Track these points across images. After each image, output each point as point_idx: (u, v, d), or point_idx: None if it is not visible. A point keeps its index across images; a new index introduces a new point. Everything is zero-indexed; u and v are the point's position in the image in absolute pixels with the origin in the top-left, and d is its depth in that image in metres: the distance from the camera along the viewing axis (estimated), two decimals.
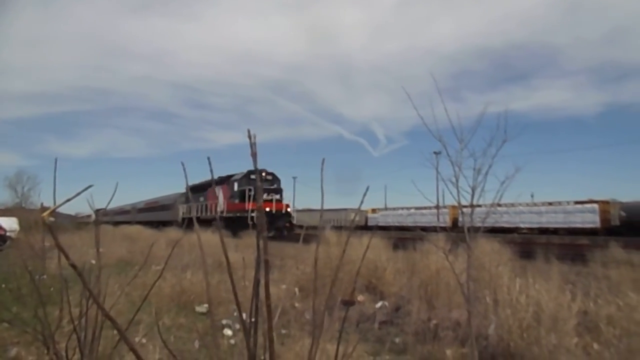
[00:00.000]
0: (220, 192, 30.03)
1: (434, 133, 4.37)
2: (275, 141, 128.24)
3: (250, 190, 26.19)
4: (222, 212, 28.55)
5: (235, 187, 28.70)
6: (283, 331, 4.90)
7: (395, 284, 6.27)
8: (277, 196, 27.03)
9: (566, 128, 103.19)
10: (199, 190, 32.69)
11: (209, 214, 30.83)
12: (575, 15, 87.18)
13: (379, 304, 6.15)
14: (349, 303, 6.05)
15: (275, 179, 28.77)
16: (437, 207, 36.84)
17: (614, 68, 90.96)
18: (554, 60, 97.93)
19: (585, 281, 6.43)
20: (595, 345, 3.36)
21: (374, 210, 49.85)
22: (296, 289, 6.46)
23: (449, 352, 3.96)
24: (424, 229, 21.02)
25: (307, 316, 5.86)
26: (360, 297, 6.25)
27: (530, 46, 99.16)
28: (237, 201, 28.10)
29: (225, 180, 29.78)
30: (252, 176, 26.15)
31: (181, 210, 35.95)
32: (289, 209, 27.67)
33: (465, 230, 3.92)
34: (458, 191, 4.24)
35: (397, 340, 4.73)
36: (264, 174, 27.26)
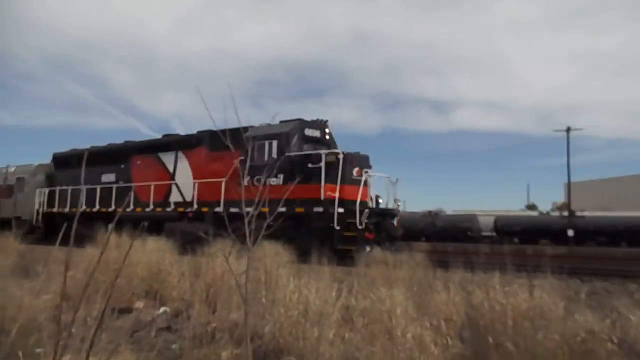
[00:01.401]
0: (183, 162, 15.34)
1: (223, 137, 4.42)
2: (58, 127, 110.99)
3: (329, 158, 12.09)
4: (214, 203, 13.55)
5: (273, 151, 13.08)
6: (37, 350, 4.21)
7: (179, 288, 6.07)
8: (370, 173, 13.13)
9: (354, 144, 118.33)
10: (105, 160, 17.37)
11: (147, 209, 15.49)
12: (363, 46, 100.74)
13: (160, 310, 5.84)
14: (124, 311, 5.55)
15: (332, 141, 14.26)
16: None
17: (390, 97, 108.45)
18: (346, 82, 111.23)
19: (352, 279, 7.34)
20: (348, 335, 3.86)
21: None
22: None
23: (224, 354, 4.00)
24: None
25: (74, 330, 5.18)
26: (138, 304, 5.83)
27: (328, 66, 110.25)
28: (276, 181, 12.15)
29: (213, 139, 13.77)
30: (310, 132, 13.66)
31: (39, 199, 19.36)
32: (399, 204, 13.60)
33: (247, 233, 4.06)
34: (243, 195, 4.36)
35: (174, 346, 4.56)
36: (327, 131, 14.13)
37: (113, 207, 16.29)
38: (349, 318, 4.71)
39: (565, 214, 30.88)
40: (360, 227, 11.55)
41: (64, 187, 18.36)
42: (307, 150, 12.92)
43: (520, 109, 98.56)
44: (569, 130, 31.66)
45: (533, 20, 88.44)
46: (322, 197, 11.80)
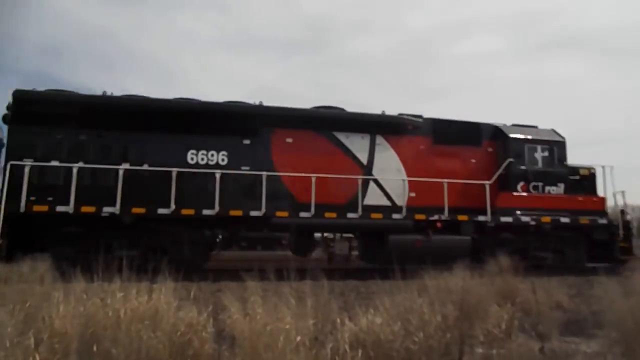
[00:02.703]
0: (386, 152, 11.92)
1: None
2: None
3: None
4: (473, 210, 11.60)
5: (555, 158, 12.75)
6: None
7: None
8: None
9: None
10: (193, 126, 10.75)
11: (350, 215, 11.06)
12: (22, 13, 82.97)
13: None
14: None
15: None
16: None
17: (48, 80, 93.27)
18: None
19: None
20: None
21: None
22: None
23: None
24: None
25: None
26: None
27: None
28: (557, 190, 12.50)
29: (438, 129, 12.47)
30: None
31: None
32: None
33: None
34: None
35: None
36: None
37: (172, 207, 10.06)
38: None
39: None
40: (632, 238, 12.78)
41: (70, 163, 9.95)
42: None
43: None
44: None
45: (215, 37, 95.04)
46: (606, 209, 12.66)
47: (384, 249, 10.93)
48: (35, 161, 9.60)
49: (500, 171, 12.14)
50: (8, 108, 10.17)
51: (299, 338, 3.55)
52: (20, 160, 9.48)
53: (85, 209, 9.61)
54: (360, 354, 3.35)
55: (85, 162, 9.93)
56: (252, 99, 11.89)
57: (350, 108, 12.06)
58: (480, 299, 5.17)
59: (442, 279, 5.53)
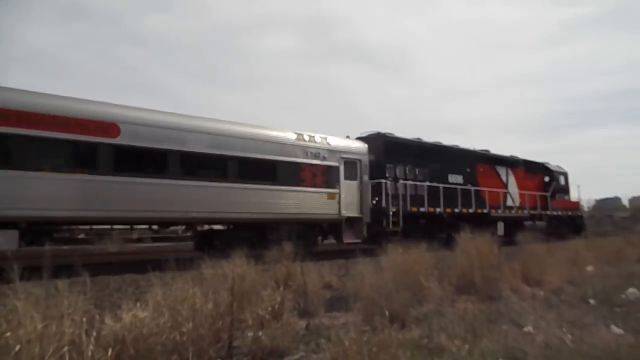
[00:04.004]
0: (511, 177, 21.72)
1: None
2: None
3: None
4: (544, 208, 22.90)
5: (566, 183, 25.52)
6: None
7: None
8: None
9: None
10: (449, 160, 18.77)
11: (512, 212, 20.96)
12: None
13: None
14: None
15: None
16: None
17: None
18: None
19: None
20: None
21: None
22: None
23: None
24: None
25: None
26: None
27: None
28: (567, 197, 25.09)
29: (526, 164, 22.83)
30: None
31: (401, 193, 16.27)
32: None
33: None
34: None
35: None
36: None
37: (459, 208, 17.79)
38: None
39: None
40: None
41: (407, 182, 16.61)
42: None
43: None
44: None
45: None
46: (580, 207, 26.51)
47: (518, 229, 17.29)
48: (392, 181, 15.61)
49: (552, 189, 22.89)
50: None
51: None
52: (385, 180, 15.23)
53: (430, 209, 16.31)
54: (110, 353, 3.06)
55: (412, 181, 16.42)
56: (471, 145, 21.09)
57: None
58: (255, 284, 5.35)
59: (219, 267, 5.54)
